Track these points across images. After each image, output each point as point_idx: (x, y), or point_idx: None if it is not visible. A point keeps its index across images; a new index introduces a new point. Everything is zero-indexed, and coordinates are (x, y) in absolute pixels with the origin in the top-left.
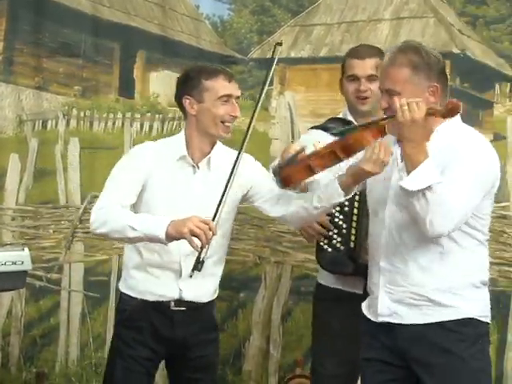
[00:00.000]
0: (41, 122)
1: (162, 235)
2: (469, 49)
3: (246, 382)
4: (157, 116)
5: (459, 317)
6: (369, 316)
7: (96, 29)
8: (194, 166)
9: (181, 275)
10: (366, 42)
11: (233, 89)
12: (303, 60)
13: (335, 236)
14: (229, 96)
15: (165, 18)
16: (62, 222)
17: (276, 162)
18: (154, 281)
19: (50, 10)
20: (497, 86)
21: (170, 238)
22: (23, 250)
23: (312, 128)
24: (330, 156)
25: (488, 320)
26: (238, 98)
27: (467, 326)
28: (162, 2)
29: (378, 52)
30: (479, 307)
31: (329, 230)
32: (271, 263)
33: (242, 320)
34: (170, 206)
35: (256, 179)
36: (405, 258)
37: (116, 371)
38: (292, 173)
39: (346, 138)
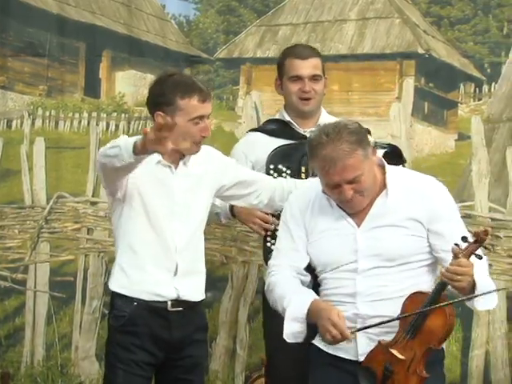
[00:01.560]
0: (5, 121)
1: None
2: (434, 49)
3: (212, 381)
4: (123, 115)
5: None
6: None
7: (62, 28)
8: (170, 166)
9: (176, 273)
10: (332, 43)
11: (206, 109)
12: (269, 60)
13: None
14: (201, 117)
15: (131, 18)
16: (28, 222)
17: None
18: (149, 279)
19: (15, 8)
20: (461, 86)
21: None
22: None
23: (251, 130)
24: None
25: None
26: (209, 114)
27: None
28: (127, 1)
29: (317, 52)
30: None
31: (275, 229)
32: (238, 263)
33: (208, 320)
34: (152, 208)
35: (227, 173)
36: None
37: (118, 377)
38: None
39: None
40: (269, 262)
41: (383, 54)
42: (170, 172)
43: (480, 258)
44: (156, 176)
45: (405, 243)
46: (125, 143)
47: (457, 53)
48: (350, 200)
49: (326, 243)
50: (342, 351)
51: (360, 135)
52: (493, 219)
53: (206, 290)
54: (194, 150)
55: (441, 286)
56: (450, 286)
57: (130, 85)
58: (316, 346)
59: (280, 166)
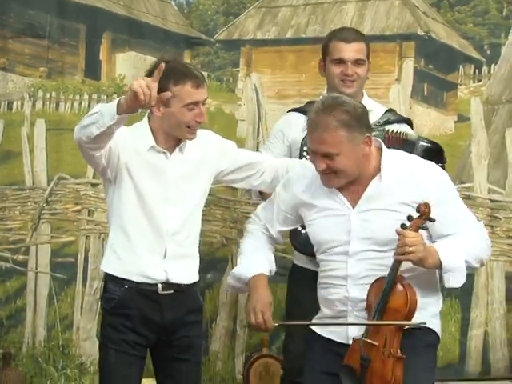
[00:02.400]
0: (6, 103)
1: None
2: (433, 31)
3: (213, 362)
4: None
5: None
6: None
7: (62, 10)
8: (165, 152)
9: (165, 256)
10: (332, 24)
11: (200, 95)
12: (269, 42)
13: None
14: (196, 103)
15: (131, 0)
16: (29, 204)
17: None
18: (140, 261)
19: None
20: (461, 68)
21: None
22: None
23: (291, 110)
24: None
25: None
26: (205, 100)
27: None
28: None
29: (362, 36)
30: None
31: None
32: (238, 244)
33: (208, 301)
34: (143, 192)
35: (226, 157)
36: None
37: (110, 356)
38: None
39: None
40: (257, 209)
41: (383, 36)
42: (164, 158)
43: (425, 228)
44: (149, 162)
45: (396, 228)
46: (104, 107)
47: (456, 34)
48: (321, 172)
49: (321, 223)
50: (334, 334)
51: (353, 119)
52: (492, 200)
53: (207, 272)
54: (190, 137)
55: (394, 265)
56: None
57: (131, 66)
58: (311, 328)
59: None
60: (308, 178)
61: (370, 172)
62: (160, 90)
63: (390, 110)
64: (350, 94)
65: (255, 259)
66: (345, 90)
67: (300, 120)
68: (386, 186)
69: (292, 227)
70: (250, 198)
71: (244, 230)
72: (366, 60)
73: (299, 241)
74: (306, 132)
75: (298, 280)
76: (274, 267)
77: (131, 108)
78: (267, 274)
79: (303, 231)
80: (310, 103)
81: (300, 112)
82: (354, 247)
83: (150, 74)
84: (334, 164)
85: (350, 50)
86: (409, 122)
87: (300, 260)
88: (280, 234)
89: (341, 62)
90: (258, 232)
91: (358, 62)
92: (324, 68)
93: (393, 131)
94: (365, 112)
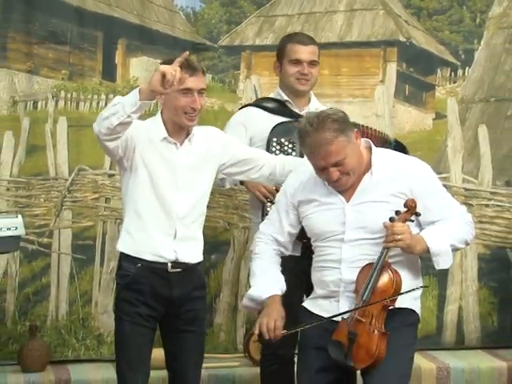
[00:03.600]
0: (32, 102)
1: None
2: (414, 37)
3: (217, 333)
4: None
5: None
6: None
7: (81, 19)
8: (175, 144)
9: (175, 237)
10: (323, 32)
11: (194, 82)
12: (267, 47)
13: None
14: (189, 89)
15: (143, 9)
16: (52, 192)
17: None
18: (152, 242)
19: (40, 2)
20: (438, 71)
21: None
22: (17, 217)
23: (247, 105)
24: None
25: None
26: (202, 89)
27: None
28: None
29: (315, 41)
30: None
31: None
32: (239, 228)
33: (213, 279)
34: (157, 180)
35: (228, 151)
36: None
37: (125, 327)
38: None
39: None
40: (260, 226)
41: (369, 42)
42: (174, 148)
43: (412, 221)
44: (161, 152)
45: (386, 217)
46: (124, 98)
47: (434, 41)
48: (337, 180)
49: (319, 217)
50: (326, 312)
51: (342, 123)
52: (466, 189)
53: (211, 253)
54: (188, 123)
55: (383, 251)
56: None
57: (143, 69)
58: (304, 306)
59: (282, 140)
60: (305, 181)
61: (362, 169)
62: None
63: None
64: (303, 90)
65: (268, 281)
66: (299, 88)
67: (261, 114)
68: (376, 180)
69: (299, 227)
70: (224, 185)
71: (253, 251)
72: (318, 62)
73: None
74: (270, 124)
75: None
76: (284, 286)
77: (154, 91)
78: (280, 293)
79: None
80: (264, 99)
81: (259, 108)
82: (348, 236)
83: None
84: (345, 168)
85: (306, 52)
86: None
87: None
88: (290, 237)
89: (297, 62)
90: (266, 252)
91: (312, 63)
92: (280, 69)
93: (363, 126)
94: (344, 113)
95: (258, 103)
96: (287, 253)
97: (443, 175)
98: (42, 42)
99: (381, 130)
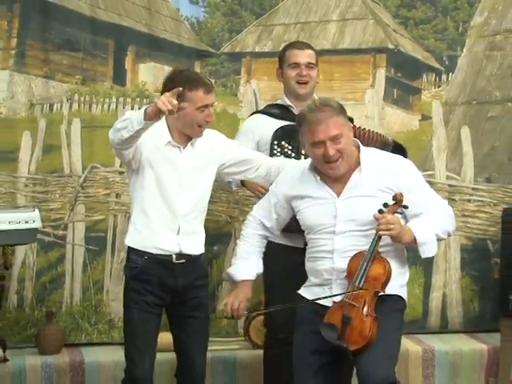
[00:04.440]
0: (48, 105)
1: None
2: (401, 45)
3: (219, 319)
4: (144, 100)
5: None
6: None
7: (93, 28)
8: (179, 147)
9: (178, 232)
10: (317, 40)
11: (210, 99)
12: (266, 54)
13: None
14: (206, 106)
15: (151, 19)
16: (67, 188)
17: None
18: (157, 238)
19: (56, 11)
20: (424, 76)
21: None
22: (34, 211)
23: (256, 113)
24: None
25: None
26: (213, 103)
27: None
28: (148, 5)
29: (312, 47)
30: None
31: None
32: (240, 222)
33: (215, 268)
34: (162, 180)
35: (227, 153)
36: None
37: (133, 315)
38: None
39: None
40: (253, 209)
41: (360, 49)
42: (178, 151)
43: (400, 213)
44: (166, 155)
45: (374, 210)
46: (133, 114)
47: (420, 48)
48: (333, 157)
49: (311, 211)
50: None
51: (341, 109)
52: (449, 185)
53: (214, 245)
54: (199, 134)
55: (375, 239)
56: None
57: (151, 75)
58: (300, 293)
59: (283, 143)
60: (297, 177)
61: (351, 165)
62: (177, 96)
63: None
64: (304, 93)
65: (246, 265)
66: (300, 91)
67: (266, 120)
68: (365, 176)
69: (287, 217)
70: (231, 188)
71: (242, 231)
72: (316, 65)
73: None
74: (275, 128)
75: (271, 254)
76: (261, 269)
77: (156, 117)
78: (253, 278)
79: None
80: (270, 106)
81: (264, 114)
82: (339, 228)
83: (166, 81)
84: (341, 147)
85: (303, 56)
86: (351, 120)
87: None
88: (277, 224)
89: (296, 65)
90: (253, 237)
91: (309, 66)
92: (282, 74)
93: (364, 129)
94: (343, 107)
95: (265, 110)
96: (273, 237)
97: (428, 172)
98: (57, 49)
99: (382, 133)
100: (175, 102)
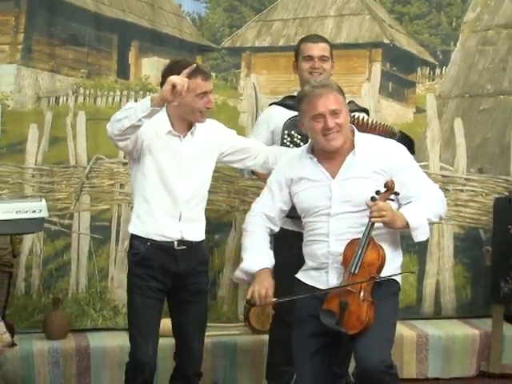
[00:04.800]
0: (54, 98)
1: None
2: (397, 40)
3: (220, 305)
4: (147, 93)
5: None
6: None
7: (98, 23)
8: (179, 136)
9: (180, 219)
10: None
11: (208, 86)
12: (265, 48)
13: None
14: (205, 92)
15: (153, 15)
16: (72, 179)
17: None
18: (159, 225)
19: (61, 7)
20: (418, 70)
21: None
22: (41, 201)
23: (272, 104)
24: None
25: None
26: (212, 91)
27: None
28: (151, 1)
29: (326, 40)
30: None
31: None
32: (240, 211)
33: (216, 256)
34: (163, 168)
35: (227, 142)
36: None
37: (136, 300)
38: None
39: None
40: (252, 204)
41: (356, 44)
42: (178, 140)
43: (392, 200)
44: (166, 143)
45: (369, 191)
46: (136, 103)
47: (415, 43)
48: (332, 128)
49: (307, 193)
50: (316, 282)
51: (341, 90)
52: (443, 176)
53: (215, 233)
54: (201, 120)
55: (368, 226)
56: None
57: (154, 69)
58: (297, 278)
59: (293, 132)
60: (295, 160)
61: (346, 148)
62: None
63: (350, 102)
64: None
65: (259, 256)
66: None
67: (280, 111)
68: (359, 159)
69: (288, 204)
70: (243, 176)
71: (245, 224)
72: (330, 58)
73: None
74: (287, 117)
75: (280, 239)
76: (273, 261)
77: (165, 99)
78: (270, 267)
79: None
80: (287, 97)
81: (280, 105)
82: (334, 209)
83: (164, 71)
84: (340, 121)
85: (316, 49)
86: (366, 111)
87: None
88: (280, 213)
89: (310, 58)
90: (257, 229)
91: (322, 58)
92: (297, 67)
93: (368, 119)
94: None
95: (281, 101)
96: (276, 229)
97: (423, 163)
98: (63, 44)
99: (387, 124)
100: (186, 80)
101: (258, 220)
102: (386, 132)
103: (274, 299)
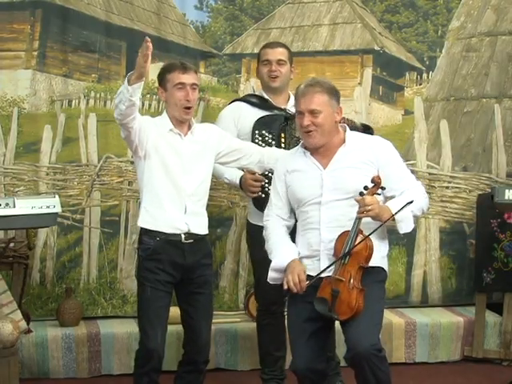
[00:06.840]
0: (67, 101)
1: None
2: (386, 46)
3: (221, 294)
4: (154, 97)
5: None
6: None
7: (108, 31)
8: (180, 134)
9: (185, 211)
10: (310, 42)
11: (186, 78)
12: None
13: (266, 184)
14: (182, 84)
15: (160, 23)
16: (84, 177)
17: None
18: (167, 215)
19: (73, 16)
20: (407, 74)
21: None
22: (55, 197)
23: (235, 100)
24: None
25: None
26: (193, 84)
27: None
28: (157, 11)
29: (284, 45)
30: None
31: (263, 181)
32: (240, 207)
33: (218, 249)
34: (167, 164)
35: (223, 142)
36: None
37: (146, 292)
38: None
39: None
40: (265, 211)
41: (349, 51)
42: (179, 138)
43: (379, 194)
44: (169, 141)
45: (358, 180)
46: (122, 86)
47: (403, 49)
48: (307, 127)
49: (300, 184)
50: (309, 270)
51: (332, 90)
52: (430, 174)
53: (217, 228)
54: (185, 117)
55: (356, 221)
56: None
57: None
58: None
59: (263, 132)
60: (291, 156)
61: (337, 143)
62: (162, 80)
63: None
64: (275, 87)
65: (285, 252)
66: (271, 84)
67: (247, 109)
68: (349, 150)
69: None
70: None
71: (265, 230)
72: (288, 62)
73: (262, 205)
74: (255, 117)
75: (254, 237)
76: (297, 251)
77: (139, 67)
78: (298, 257)
79: (263, 195)
80: (248, 95)
81: (245, 102)
82: (325, 197)
83: (158, 74)
84: (317, 121)
85: (273, 53)
86: (369, 128)
87: (253, 219)
88: (291, 206)
89: (268, 62)
90: (277, 229)
91: (279, 62)
92: (258, 71)
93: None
94: (337, 90)
95: (245, 98)
96: (292, 224)
97: (411, 162)
98: (75, 51)
99: (351, 119)
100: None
101: (274, 222)
102: (350, 125)
103: (307, 282)
